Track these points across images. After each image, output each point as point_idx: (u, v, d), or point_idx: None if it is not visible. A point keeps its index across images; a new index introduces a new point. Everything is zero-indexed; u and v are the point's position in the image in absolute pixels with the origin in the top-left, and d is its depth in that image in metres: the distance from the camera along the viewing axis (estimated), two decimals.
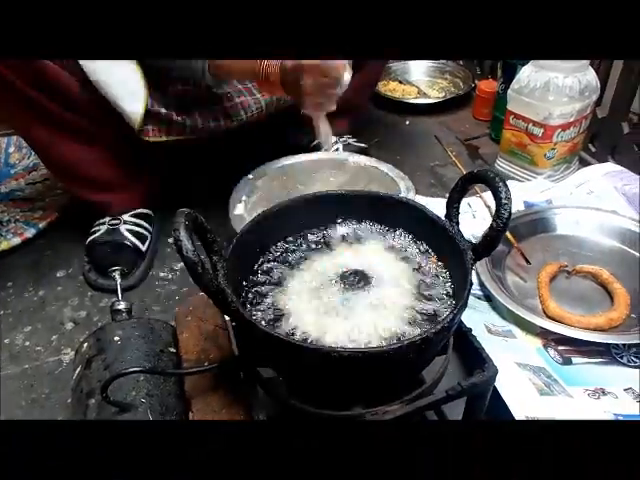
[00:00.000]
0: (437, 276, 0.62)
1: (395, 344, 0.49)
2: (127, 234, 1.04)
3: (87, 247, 1.05)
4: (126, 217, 1.07)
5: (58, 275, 1.07)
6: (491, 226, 0.56)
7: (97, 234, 1.04)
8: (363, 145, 1.30)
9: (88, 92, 0.89)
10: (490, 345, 0.79)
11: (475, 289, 0.96)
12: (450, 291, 0.60)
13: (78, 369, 0.69)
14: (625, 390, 0.76)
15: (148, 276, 1.06)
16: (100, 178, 1.04)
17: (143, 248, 1.06)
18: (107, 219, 1.06)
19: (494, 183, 0.56)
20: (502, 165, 1.26)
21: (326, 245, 0.66)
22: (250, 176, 0.98)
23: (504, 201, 0.55)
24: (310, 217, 0.68)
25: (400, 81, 1.70)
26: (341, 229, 0.69)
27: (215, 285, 0.52)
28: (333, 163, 1.03)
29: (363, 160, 1.04)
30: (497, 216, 0.56)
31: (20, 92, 0.87)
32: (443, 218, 0.63)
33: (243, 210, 0.91)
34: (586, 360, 0.82)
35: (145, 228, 1.08)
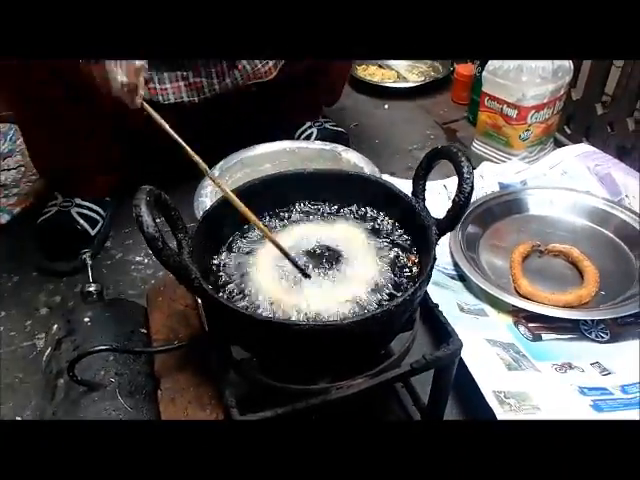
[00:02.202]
0: (404, 251, 0.63)
1: (356, 317, 0.50)
2: (77, 217, 1.04)
3: (36, 228, 1.04)
4: (79, 200, 1.06)
5: (34, 261, 1.06)
6: (454, 200, 0.57)
7: (46, 215, 1.04)
8: (341, 129, 1.29)
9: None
10: (461, 322, 0.80)
11: (449, 269, 0.98)
12: (417, 267, 0.61)
13: (48, 351, 0.69)
14: (592, 364, 0.77)
15: (120, 260, 1.06)
16: (78, 167, 1.04)
17: (92, 232, 1.05)
18: (59, 200, 1.06)
19: (456, 158, 0.57)
20: (478, 147, 1.26)
21: (293, 223, 0.66)
22: (215, 171, 0.98)
23: (466, 176, 0.56)
24: (278, 196, 0.68)
25: (379, 65, 1.70)
26: (309, 207, 0.69)
27: (177, 261, 0.52)
28: (290, 151, 1.03)
29: (318, 145, 1.04)
30: (459, 191, 0.56)
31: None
32: (410, 195, 0.64)
33: (208, 200, 0.90)
34: (555, 336, 0.84)
35: (97, 212, 1.08)
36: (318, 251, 0.61)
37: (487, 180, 1.13)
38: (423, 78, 1.64)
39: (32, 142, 1.07)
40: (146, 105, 0.63)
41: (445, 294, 0.88)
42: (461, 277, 0.95)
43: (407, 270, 0.60)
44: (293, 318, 0.53)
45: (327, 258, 0.60)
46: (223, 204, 0.63)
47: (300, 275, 0.57)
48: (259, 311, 0.54)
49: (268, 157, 1.04)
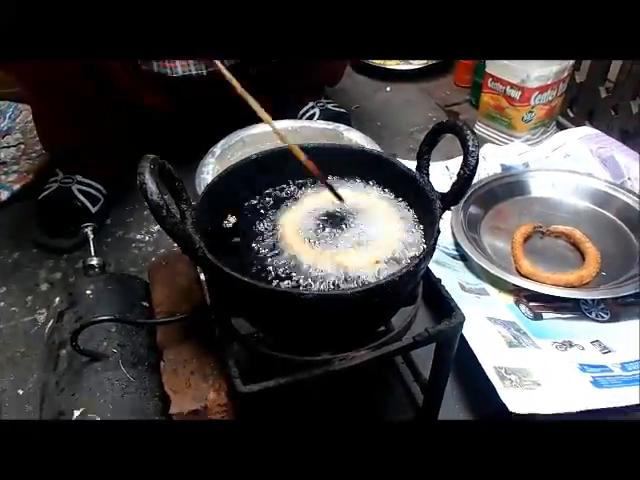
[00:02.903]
0: (408, 226, 0.62)
1: (361, 287, 0.50)
2: (77, 193, 1.04)
3: (37, 204, 1.04)
4: (80, 177, 1.06)
5: (33, 237, 1.06)
6: (458, 174, 0.56)
7: (47, 191, 1.04)
8: (343, 110, 1.29)
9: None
10: (463, 301, 0.80)
11: (451, 249, 0.98)
12: (421, 240, 0.61)
13: (50, 323, 0.69)
14: (592, 343, 0.78)
15: (121, 238, 1.06)
16: (84, 145, 1.04)
17: (93, 210, 1.05)
18: (60, 177, 1.06)
19: (462, 132, 0.56)
20: (481, 129, 1.26)
21: (295, 199, 0.66)
22: (216, 150, 0.98)
23: (471, 149, 0.55)
24: (282, 170, 0.67)
25: None
26: (312, 182, 0.68)
27: (181, 229, 0.51)
28: (292, 130, 1.03)
29: (320, 124, 1.03)
30: (464, 164, 0.56)
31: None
32: (414, 170, 0.64)
33: (210, 178, 0.90)
34: (556, 315, 0.84)
35: (98, 190, 1.08)
36: (325, 220, 0.61)
37: (489, 162, 1.12)
38: (425, 61, 1.63)
39: (43, 120, 1.07)
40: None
41: (447, 273, 0.88)
42: (462, 257, 0.95)
43: (413, 242, 0.60)
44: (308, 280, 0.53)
45: (334, 226, 0.60)
46: (226, 177, 0.63)
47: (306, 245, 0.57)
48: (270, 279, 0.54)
49: (270, 136, 1.02)
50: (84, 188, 1.06)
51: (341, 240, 0.59)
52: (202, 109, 1.17)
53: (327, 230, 0.59)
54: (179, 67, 0.99)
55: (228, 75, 0.58)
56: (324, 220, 0.61)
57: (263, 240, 0.59)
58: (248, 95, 0.57)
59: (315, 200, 0.65)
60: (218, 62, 0.61)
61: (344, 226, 0.60)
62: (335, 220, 0.61)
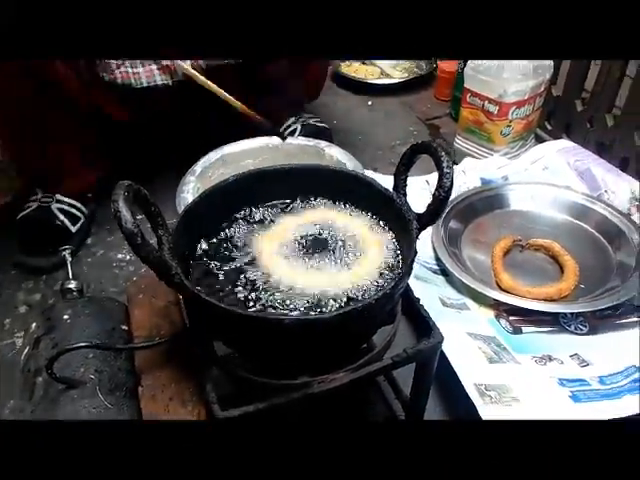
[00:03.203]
0: (385, 247, 0.63)
1: (338, 310, 0.50)
2: (57, 213, 1.03)
3: (17, 223, 1.03)
4: (59, 196, 1.05)
5: (13, 258, 1.04)
6: (434, 195, 0.57)
7: (27, 210, 1.03)
8: (324, 125, 1.29)
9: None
10: (443, 317, 0.81)
11: (432, 264, 0.98)
12: (398, 261, 0.61)
13: (26, 349, 0.68)
14: (571, 356, 0.79)
15: (101, 258, 1.05)
16: (57, 164, 1.03)
17: (73, 229, 1.05)
18: (39, 196, 1.05)
19: (436, 153, 0.57)
20: (460, 143, 1.27)
21: (272, 221, 0.66)
22: (197, 168, 0.97)
23: (446, 170, 0.56)
24: (259, 192, 0.67)
25: (363, 62, 1.70)
26: (290, 203, 0.69)
27: (157, 257, 0.51)
28: (273, 147, 1.03)
29: (301, 141, 1.04)
30: (439, 185, 0.56)
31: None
32: (391, 190, 0.64)
33: (190, 196, 0.90)
34: (536, 329, 0.85)
35: (78, 209, 1.07)
36: (303, 243, 0.61)
37: (469, 175, 1.13)
38: (406, 75, 1.65)
39: (9, 141, 1.06)
40: (190, 70, 0.60)
41: (428, 288, 0.89)
42: (443, 271, 0.95)
43: (391, 264, 0.60)
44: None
45: (310, 250, 0.60)
46: (205, 198, 0.63)
47: (283, 268, 0.57)
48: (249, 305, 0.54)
49: (250, 153, 1.03)
50: (64, 207, 1.05)
51: (319, 261, 0.59)
52: (168, 120, 1.17)
53: (305, 252, 0.60)
54: (143, 78, 0.98)
55: (200, 78, 0.58)
56: (302, 242, 0.61)
57: (239, 263, 0.59)
58: (222, 91, 0.57)
59: (295, 221, 0.65)
60: (187, 65, 0.60)
61: (322, 248, 0.60)
62: (314, 242, 0.61)
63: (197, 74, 0.57)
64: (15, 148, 1.05)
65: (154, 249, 0.51)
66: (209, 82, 0.57)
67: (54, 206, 1.04)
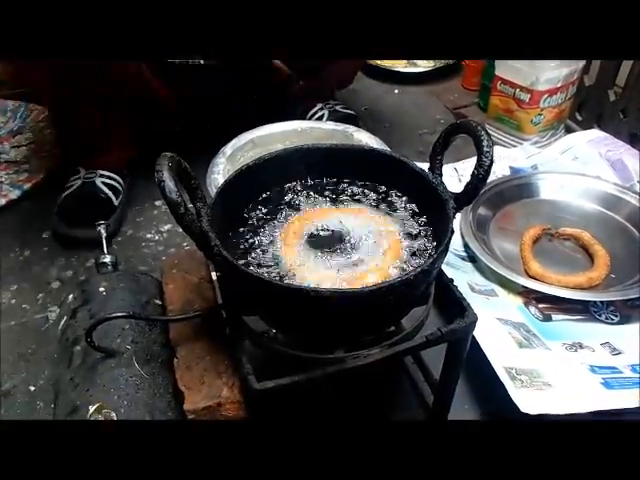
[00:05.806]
0: (419, 226, 0.63)
1: (376, 285, 0.50)
2: (102, 186, 1.06)
3: (63, 200, 1.05)
4: (101, 171, 1.08)
5: (44, 236, 1.06)
6: (473, 174, 0.57)
7: (73, 188, 1.05)
8: (351, 112, 1.29)
9: None
10: (472, 302, 0.79)
11: (460, 250, 0.98)
12: (432, 241, 0.61)
13: (63, 320, 0.69)
14: (602, 345, 0.78)
15: (131, 237, 1.07)
16: (99, 140, 1.07)
17: (116, 202, 1.07)
18: (82, 173, 1.07)
19: (476, 132, 0.56)
20: (489, 131, 1.26)
21: (307, 198, 0.66)
22: (227, 150, 0.98)
23: (486, 149, 0.56)
24: (293, 170, 0.68)
25: None
26: (324, 182, 0.69)
27: (198, 227, 0.52)
28: (302, 131, 1.03)
29: (330, 125, 1.04)
30: (479, 164, 0.56)
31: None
32: (426, 170, 0.64)
33: (221, 177, 0.90)
34: (565, 317, 0.84)
35: (119, 183, 1.10)
36: (331, 231, 0.61)
37: (498, 164, 1.12)
38: (433, 64, 1.63)
39: (60, 119, 1.09)
40: None
41: (456, 274, 0.88)
42: (472, 258, 0.95)
43: (426, 245, 0.60)
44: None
45: (342, 236, 0.60)
46: (238, 178, 0.64)
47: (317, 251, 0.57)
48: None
49: (279, 137, 1.04)
50: (107, 180, 1.08)
51: (348, 255, 0.59)
52: (205, 103, 1.19)
53: (330, 245, 0.59)
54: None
55: None
56: (326, 236, 0.61)
57: (263, 251, 0.59)
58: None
59: (326, 206, 0.65)
60: None
61: (351, 240, 0.60)
62: (337, 235, 0.61)
63: None
64: (65, 124, 1.08)
65: (195, 219, 0.52)
66: None
67: (98, 180, 1.06)
